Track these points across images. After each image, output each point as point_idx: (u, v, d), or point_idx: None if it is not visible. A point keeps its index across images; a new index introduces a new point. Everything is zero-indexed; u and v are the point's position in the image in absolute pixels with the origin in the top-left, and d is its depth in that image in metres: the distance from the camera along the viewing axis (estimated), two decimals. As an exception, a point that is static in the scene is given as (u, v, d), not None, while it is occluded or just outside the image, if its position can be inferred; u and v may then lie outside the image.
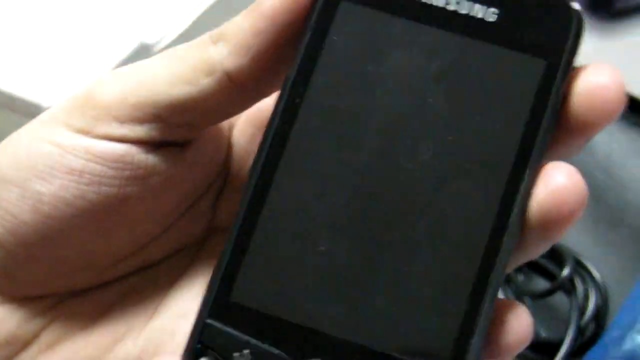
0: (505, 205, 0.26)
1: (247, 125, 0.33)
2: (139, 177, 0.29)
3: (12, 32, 0.56)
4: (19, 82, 0.53)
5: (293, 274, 0.26)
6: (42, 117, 0.30)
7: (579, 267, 0.51)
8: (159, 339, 0.31)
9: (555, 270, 0.51)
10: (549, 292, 0.51)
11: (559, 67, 0.26)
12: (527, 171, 0.26)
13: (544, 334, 0.51)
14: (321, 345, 0.26)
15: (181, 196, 0.31)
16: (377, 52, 0.27)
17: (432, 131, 0.27)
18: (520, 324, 0.27)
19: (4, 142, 0.30)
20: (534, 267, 0.53)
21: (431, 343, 0.25)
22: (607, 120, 0.26)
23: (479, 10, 0.27)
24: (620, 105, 0.26)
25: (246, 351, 0.26)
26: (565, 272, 0.50)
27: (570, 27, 0.27)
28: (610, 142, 0.62)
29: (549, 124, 0.26)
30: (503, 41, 0.27)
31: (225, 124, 0.32)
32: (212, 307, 0.26)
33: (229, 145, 0.33)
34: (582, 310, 0.49)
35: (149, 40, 0.56)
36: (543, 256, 0.52)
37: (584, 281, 0.51)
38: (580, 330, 0.49)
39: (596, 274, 0.51)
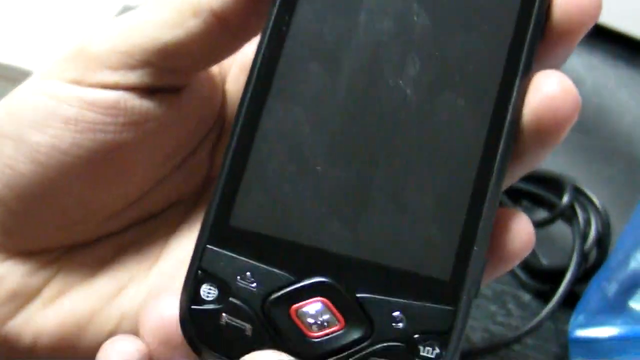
0: (498, 113, 0.26)
1: (240, 75, 0.33)
2: (134, 123, 0.29)
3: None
4: (7, 50, 0.53)
5: (290, 194, 0.26)
6: (34, 75, 0.30)
7: (579, 194, 0.51)
8: (162, 285, 0.31)
9: (555, 200, 0.51)
10: (550, 220, 0.51)
11: None
12: (518, 79, 0.26)
13: (547, 263, 0.51)
14: (323, 262, 0.26)
15: (177, 143, 0.31)
16: None
17: (421, 47, 0.27)
18: (522, 230, 0.27)
19: (1, 101, 0.30)
20: (533, 198, 0.53)
21: (433, 254, 0.26)
22: (585, 27, 0.27)
23: None
24: (597, 11, 0.26)
25: (248, 274, 0.26)
26: (565, 199, 0.50)
27: None
28: (598, 75, 0.62)
29: (535, 33, 0.26)
30: None
31: (217, 73, 0.32)
32: (211, 232, 0.26)
33: (223, 95, 0.33)
34: (584, 236, 0.49)
35: (132, 3, 0.56)
36: (542, 187, 0.53)
37: (584, 207, 0.50)
38: (584, 256, 0.49)
39: (596, 199, 0.51)
